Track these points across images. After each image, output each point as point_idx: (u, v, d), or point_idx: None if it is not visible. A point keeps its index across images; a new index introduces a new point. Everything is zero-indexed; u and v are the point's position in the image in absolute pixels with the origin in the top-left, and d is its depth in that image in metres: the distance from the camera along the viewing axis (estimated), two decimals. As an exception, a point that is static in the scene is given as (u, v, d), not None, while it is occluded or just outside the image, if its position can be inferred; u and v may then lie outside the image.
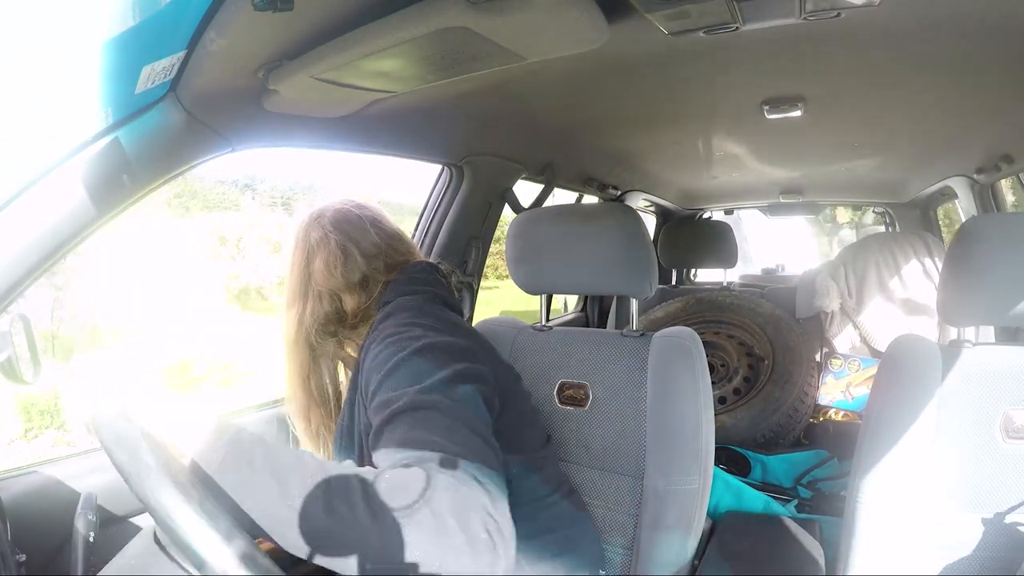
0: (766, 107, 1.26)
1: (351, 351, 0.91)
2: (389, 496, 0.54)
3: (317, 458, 0.58)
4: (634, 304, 1.17)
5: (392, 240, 0.93)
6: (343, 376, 0.94)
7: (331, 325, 0.89)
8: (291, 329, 0.90)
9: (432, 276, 0.92)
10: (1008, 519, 0.86)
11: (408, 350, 0.73)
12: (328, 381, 0.91)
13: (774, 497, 1.65)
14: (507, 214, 1.62)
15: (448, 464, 0.59)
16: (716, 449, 1.05)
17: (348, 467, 0.58)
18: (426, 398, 0.66)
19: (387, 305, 0.86)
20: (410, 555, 0.52)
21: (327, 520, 0.53)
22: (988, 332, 1.92)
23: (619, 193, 2.28)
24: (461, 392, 0.69)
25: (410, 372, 0.70)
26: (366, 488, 0.54)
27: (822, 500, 1.71)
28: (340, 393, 0.93)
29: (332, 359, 0.91)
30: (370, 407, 0.73)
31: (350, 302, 0.88)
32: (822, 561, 1.01)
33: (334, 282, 0.88)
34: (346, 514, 0.53)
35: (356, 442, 0.83)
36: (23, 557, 0.67)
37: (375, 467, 0.63)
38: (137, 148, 0.79)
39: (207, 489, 0.53)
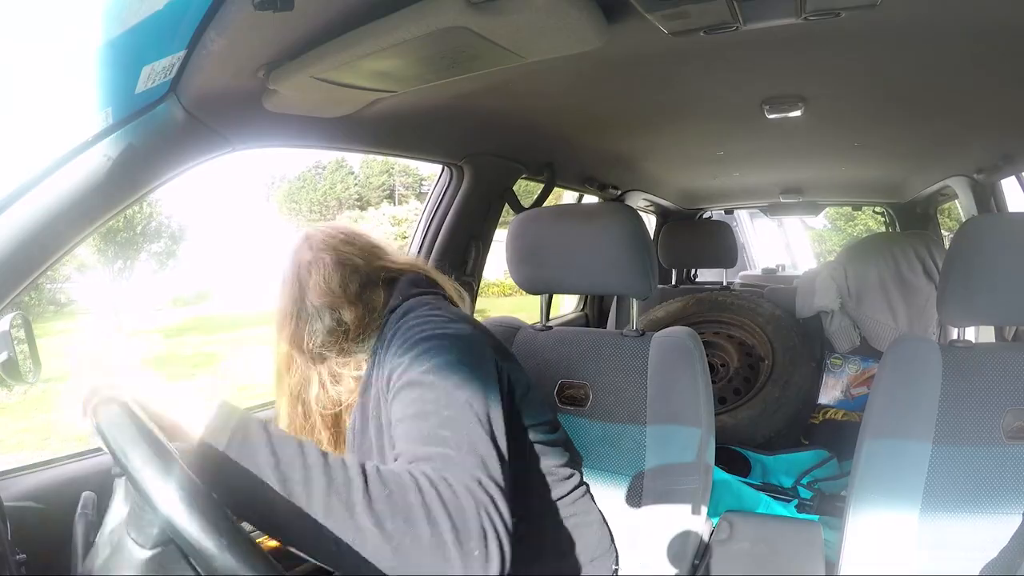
0: (766, 107, 1.26)
1: (353, 365, 0.91)
2: (388, 503, 0.54)
3: (320, 452, 0.56)
4: (634, 304, 1.16)
5: (384, 253, 0.95)
6: (334, 391, 0.93)
7: (333, 340, 0.89)
8: (287, 350, 0.90)
9: (432, 281, 0.94)
10: (1008, 520, 0.86)
11: (431, 334, 0.76)
12: (330, 394, 0.91)
13: (774, 497, 1.66)
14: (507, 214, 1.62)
15: (458, 468, 0.60)
16: (716, 449, 1.05)
17: (352, 465, 0.57)
18: (448, 395, 0.68)
19: (398, 308, 0.87)
20: (402, 564, 0.53)
21: (324, 520, 0.52)
22: (988, 332, 1.92)
23: (619, 193, 2.27)
24: (479, 385, 0.71)
25: (432, 362, 0.72)
26: (367, 491, 0.54)
27: (822, 500, 1.71)
28: (341, 405, 0.92)
29: (330, 374, 0.91)
30: (392, 393, 0.74)
31: (349, 314, 0.89)
32: (822, 561, 1.01)
33: (333, 295, 0.89)
34: (342, 516, 0.53)
35: (374, 443, 0.83)
36: (23, 557, 0.67)
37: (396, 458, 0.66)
38: (137, 148, 0.79)
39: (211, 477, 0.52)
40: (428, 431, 0.65)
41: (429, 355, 0.74)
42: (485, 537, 0.56)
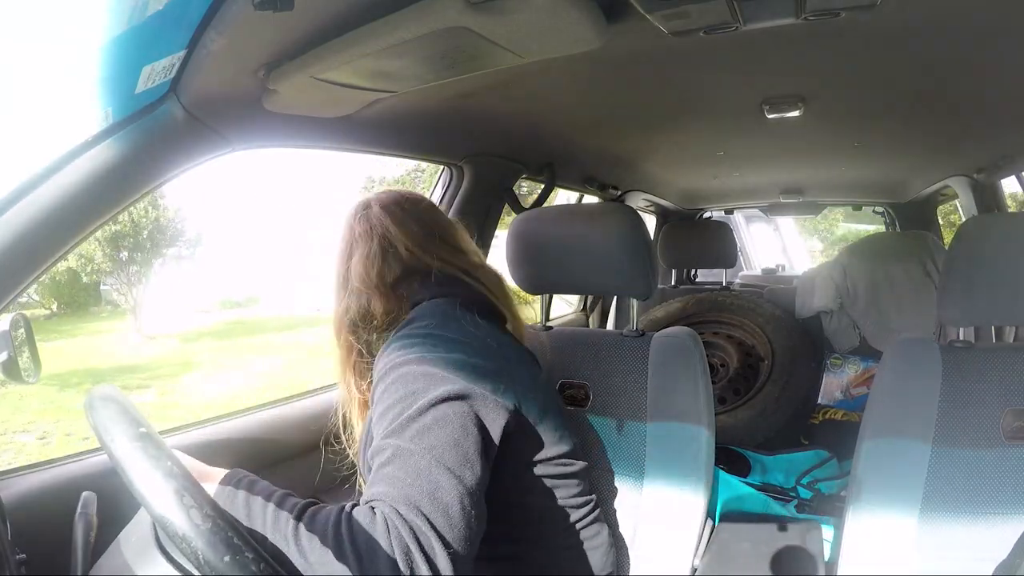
0: (766, 107, 1.26)
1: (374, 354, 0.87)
2: (309, 538, 0.62)
3: (278, 501, 0.65)
4: (634, 304, 1.16)
5: (442, 241, 0.89)
6: (358, 381, 0.90)
7: (361, 325, 0.87)
8: (335, 320, 0.89)
9: (468, 278, 0.89)
10: (1008, 520, 0.86)
11: (406, 360, 0.75)
12: (357, 381, 0.88)
13: (774, 497, 1.65)
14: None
15: (390, 500, 0.65)
16: (716, 449, 1.05)
17: (296, 508, 0.65)
18: (405, 430, 0.70)
19: (416, 307, 0.85)
20: None
21: (283, 550, 0.62)
22: (988, 332, 1.91)
23: (619, 193, 2.27)
24: (441, 417, 0.71)
25: (399, 395, 0.72)
26: (297, 530, 0.63)
27: (822, 500, 1.71)
28: (365, 394, 0.89)
29: (359, 361, 0.88)
30: (372, 419, 0.75)
31: (379, 305, 0.86)
32: (822, 561, 1.01)
33: (367, 282, 0.86)
34: (286, 549, 0.62)
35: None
36: (23, 557, 0.67)
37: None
38: (137, 148, 0.79)
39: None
40: (383, 467, 0.68)
41: (398, 386, 0.73)
42: (397, 563, 0.61)
